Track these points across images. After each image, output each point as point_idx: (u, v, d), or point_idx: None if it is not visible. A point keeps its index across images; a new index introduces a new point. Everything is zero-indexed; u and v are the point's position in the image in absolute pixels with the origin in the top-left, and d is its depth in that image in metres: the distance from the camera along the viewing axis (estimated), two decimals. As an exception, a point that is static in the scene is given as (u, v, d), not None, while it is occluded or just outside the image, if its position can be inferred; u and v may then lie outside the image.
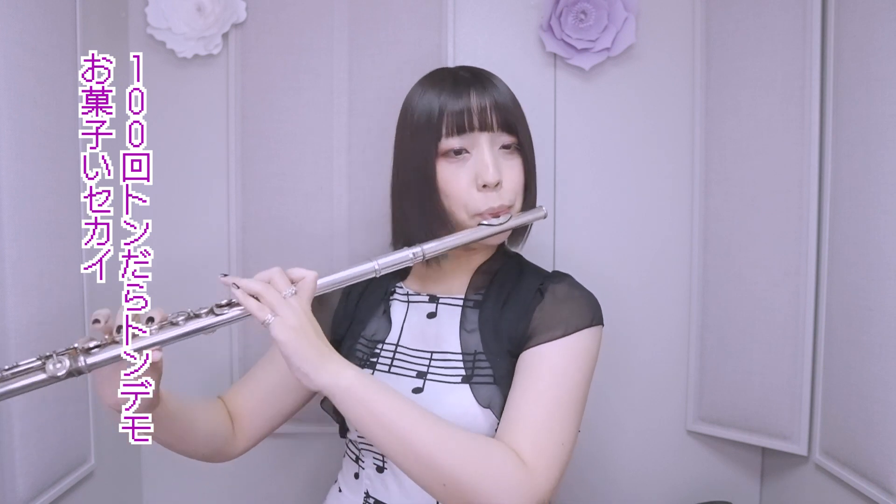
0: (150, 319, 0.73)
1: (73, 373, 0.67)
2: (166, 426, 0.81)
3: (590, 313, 0.87)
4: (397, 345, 0.92)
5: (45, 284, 0.92)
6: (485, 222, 0.86)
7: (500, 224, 0.86)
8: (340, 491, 0.94)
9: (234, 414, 0.94)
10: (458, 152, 0.86)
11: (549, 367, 0.82)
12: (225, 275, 0.75)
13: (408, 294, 0.97)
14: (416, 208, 0.89)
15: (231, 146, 1.20)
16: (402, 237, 0.92)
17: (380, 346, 0.93)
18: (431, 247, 0.83)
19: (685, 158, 1.22)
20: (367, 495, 0.89)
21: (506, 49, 1.22)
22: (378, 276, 0.80)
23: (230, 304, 0.75)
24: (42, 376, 0.66)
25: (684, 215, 1.23)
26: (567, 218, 1.23)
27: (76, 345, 0.69)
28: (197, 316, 0.74)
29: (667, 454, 1.27)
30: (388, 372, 0.90)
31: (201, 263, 1.23)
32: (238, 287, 0.74)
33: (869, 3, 0.95)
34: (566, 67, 1.22)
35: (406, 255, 0.81)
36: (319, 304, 0.99)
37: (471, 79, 0.88)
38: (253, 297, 0.74)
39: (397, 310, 0.96)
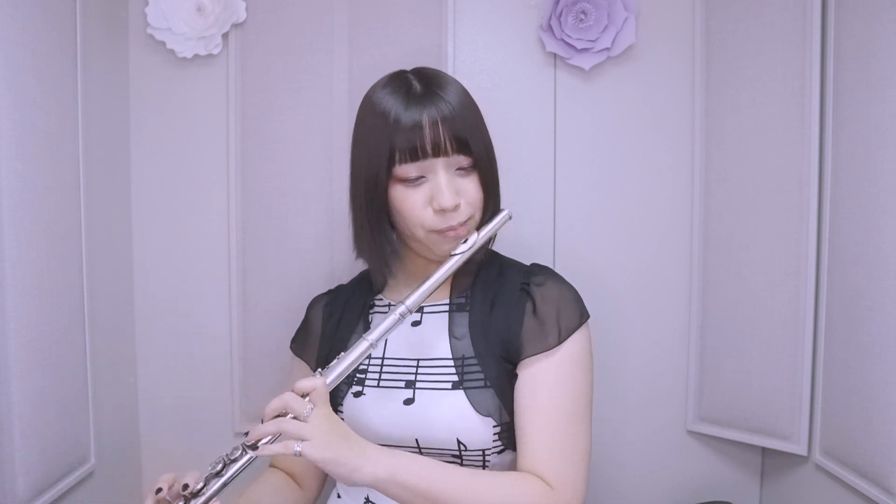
0: (186, 486, 0.75)
1: None
2: None
3: (577, 311, 0.88)
4: (383, 358, 0.92)
5: (45, 285, 0.92)
6: (455, 252, 0.84)
7: (470, 249, 0.84)
8: (339, 497, 0.94)
9: (294, 472, 0.99)
10: (414, 180, 0.84)
11: (554, 382, 0.84)
12: (246, 433, 0.77)
13: (389, 305, 0.96)
14: (367, 225, 0.89)
15: (231, 146, 1.20)
16: (359, 247, 0.93)
17: (365, 361, 0.92)
18: (413, 301, 0.81)
19: (685, 158, 1.22)
20: (368, 500, 0.89)
21: (506, 49, 1.22)
22: (374, 349, 0.80)
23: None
24: None
25: (684, 215, 1.23)
26: (567, 218, 1.23)
27: None
28: (233, 460, 0.76)
29: (667, 454, 1.27)
30: (378, 386, 0.90)
31: (201, 263, 1.23)
32: (257, 447, 0.75)
33: (869, 3, 0.95)
34: (566, 67, 1.22)
35: (394, 318, 0.81)
36: (305, 334, 1.02)
37: (422, 93, 0.84)
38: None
39: (378, 323, 0.95)
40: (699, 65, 1.20)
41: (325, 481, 1.01)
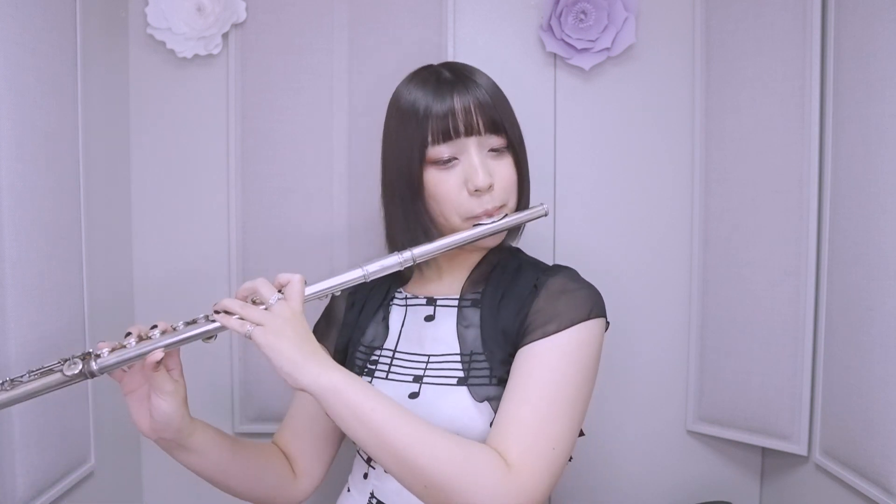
0: (154, 326, 0.77)
1: (87, 374, 0.74)
2: (208, 458, 0.85)
3: (587, 305, 0.84)
4: (395, 350, 0.92)
5: (45, 284, 0.92)
6: (480, 223, 0.84)
7: (495, 223, 0.84)
8: (349, 491, 0.95)
9: (289, 455, 0.96)
10: (447, 161, 0.85)
11: (540, 364, 0.80)
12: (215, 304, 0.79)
13: (406, 298, 0.96)
14: (401, 213, 0.89)
15: (231, 146, 1.20)
16: (391, 239, 0.93)
17: (377, 352, 0.92)
18: (421, 251, 0.82)
19: (685, 158, 1.22)
20: (372, 496, 0.89)
21: (506, 49, 1.22)
22: (367, 280, 0.81)
23: (227, 312, 0.78)
24: (58, 377, 0.73)
25: (684, 215, 1.23)
26: (567, 219, 1.23)
27: (90, 349, 0.75)
28: (194, 322, 0.78)
29: (667, 454, 1.27)
30: (386, 378, 0.89)
31: (202, 263, 1.23)
32: (218, 312, 0.77)
33: (869, 3, 0.95)
34: (566, 67, 1.22)
35: (395, 259, 0.81)
36: (326, 321, 1.02)
37: (453, 80, 0.86)
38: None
39: (395, 315, 0.95)
40: (699, 65, 1.20)
41: (323, 475, 0.98)
